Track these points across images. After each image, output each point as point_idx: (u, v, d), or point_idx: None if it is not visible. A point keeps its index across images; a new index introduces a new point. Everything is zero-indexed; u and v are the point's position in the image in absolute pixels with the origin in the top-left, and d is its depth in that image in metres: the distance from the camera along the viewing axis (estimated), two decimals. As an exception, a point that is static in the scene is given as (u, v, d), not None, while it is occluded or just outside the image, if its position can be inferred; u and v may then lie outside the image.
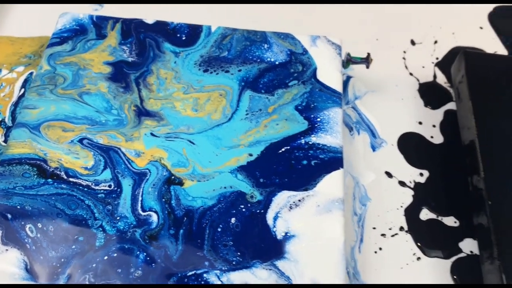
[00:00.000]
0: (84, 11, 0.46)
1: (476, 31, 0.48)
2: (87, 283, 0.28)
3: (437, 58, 0.46)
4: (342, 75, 0.37)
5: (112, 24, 0.38)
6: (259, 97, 0.35)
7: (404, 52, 0.46)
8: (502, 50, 0.47)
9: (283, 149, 0.33)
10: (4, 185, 0.31)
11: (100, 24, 0.38)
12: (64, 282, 0.28)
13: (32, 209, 0.30)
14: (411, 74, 0.44)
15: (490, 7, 0.50)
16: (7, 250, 0.29)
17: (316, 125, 0.34)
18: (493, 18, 0.49)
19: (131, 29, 0.38)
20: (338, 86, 0.36)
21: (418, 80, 0.44)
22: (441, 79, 0.44)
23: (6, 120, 0.39)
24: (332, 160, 0.33)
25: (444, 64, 0.45)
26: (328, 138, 0.34)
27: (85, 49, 0.37)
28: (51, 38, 0.37)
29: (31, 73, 0.41)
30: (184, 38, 0.38)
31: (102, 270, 0.29)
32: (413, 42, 0.47)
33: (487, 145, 0.35)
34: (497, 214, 0.32)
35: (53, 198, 0.31)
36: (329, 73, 0.37)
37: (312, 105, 0.35)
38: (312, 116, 0.35)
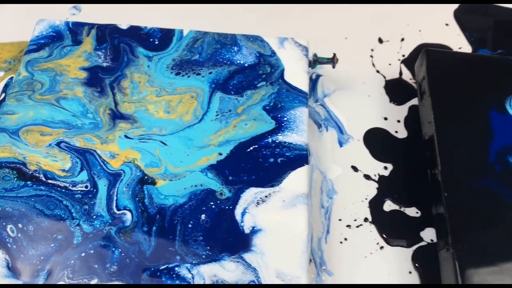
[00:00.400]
0: (63, 14, 0.48)
1: (442, 28, 0.50)
2: (65, 279, 0.30)
3: (403, 56, 0.48)
4: (308, 76, 0.39)
5: (87, 30, 0.40)
6: (229, 99, 0.37)
7: (372, 50, 0.48)
8: (466, 46, 0.49)
9: (251, 148, 0.35)
10: (-14, 188, 0.33)
11: (76, 30, 0.40)
12: (44, 279, 0.30)
13: (13, 210, 0.32)
14: (378, 71, 0.46)
15: (456, 4, 0.52)
16: (-11, 249, 0.31)
17: (283, 124, 0.36)
18: (458, 15, 0.51)
19: (106, 35, 0.40)
20: (304, 86, 0.38)
21: (384, 77, 0.46)
22: (407, 76, 0.46)
23: (-12, 124, 0.40)
24: (298, 157, 0.35)
25: (410, 61, 0.47)
26: (294, 136, 0.36)
27: (61, 55, 0.38)
28: (28, 45, 0.39)
29: (11, 78, 0.43)
30: (157, 42, 0.39)
31: (79, 266, 0.30)
32: (380, 40, 0.48)
33: (445, 140, 0.37)
34: (453, 205, 0.34)
35: (33, 199, 0.32)
36: (296, 74, 0.39)
37: (279, 105, 0.37)
38: (279, 115, 0.37)
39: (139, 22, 0.44)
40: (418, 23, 0.50)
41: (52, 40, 0.39)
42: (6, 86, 0.42)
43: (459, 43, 0.49)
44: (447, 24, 0.50)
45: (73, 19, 0.47)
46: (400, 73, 0.46)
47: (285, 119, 0.36)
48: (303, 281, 0.31)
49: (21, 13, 0.48)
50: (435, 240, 0.37)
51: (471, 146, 0.37)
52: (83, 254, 0.31)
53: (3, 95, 0.42)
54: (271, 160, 0.35)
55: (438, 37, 0.49)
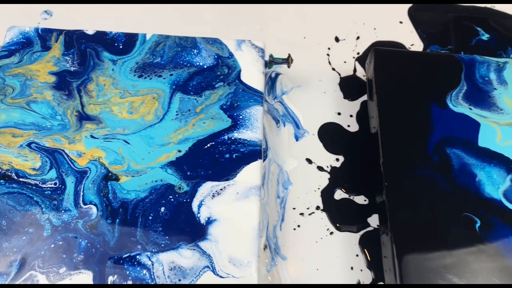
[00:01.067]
0: (35, 19, 0.50)
1: (396, 26, 0.53)
2: (36, 268, 0.33)
3: (358, 53, 0.50)
4: (264, 76, 0.42)
5: (56, 36, 0.42)
6: (188, 99, 0.40)
7: (329, 48, 0.50)
8: (418, 43, 0.51)
9: (208, 145, 0.38)
10: (-38, 187, 0.35)
11: (45, 37, 0.42)
12: (16, 268, 0.33)
13: (-13, 207, 0.34)
14: (333, 69, 0.49)
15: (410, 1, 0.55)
16: (-34, 243, 0.33)
17: (238, 122, 0.39)
18: (411, 12, 0.54)
19: (73, 40, 0.42)
20: (260, 86, 0.41)
21: (339, 74, 0.49)
22: (361, 73, 0.49)
23: (-35, 126, 0.43)
24: (252, 153, 0.38)
25: (364, 59, 0.50)
26: (248, 133, 0.38)
27: (31, 61, 0.41)
28: (0, 51, 0.41)
29: (-14, 81, 0.45)
30: (121, 46, 0.42)
31: (49, 256, 0.33)
32: (337, 39, 0.51)
33: (388, 133, 0.40)
34: (393, 193, 0.38)
35: (5, 196, 0.35)
36: (252, 75, 0.41)
37: (236, 104, 0.40)
38: (235, 114, 0.39)
39: (108, 23, 0.47)
40: (373, 22, 0.52)
41: (23, 46, 0.41)
42: (-19, 89, 0.45)
43: (412, 40, 0.52)
44: (401, 22, 0.53)
45: (44, 23, 0.49)
46: (354, 70, 0.49)
47: (241, 117, 0.39)
48: (254, 266, 0.34)
49: (-5, 18, 0.50)
50: (381, 225, 0.41)
51: (412, 139, 0.40)
52: (52, 245, 0.33)
53: (-21, 98, 0.44)
54: (227, 155, 0.37)
55: (392, 35, 0.52)
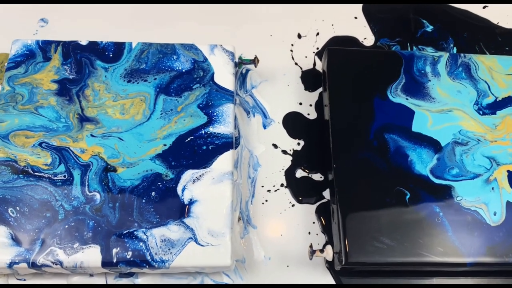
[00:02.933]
0: (32, 26, 0.55)
1: (351, 21, 0.59)
2: (55, 244, 0.40)
3: (317, 48, 0.57)
4: (234, 77, 0.48)
5: (54, 48, 0.48)
6: (171, 100, 0.47)
7: (292, 45, 0.57)
8: (370, 37, 0.58)
9: (188, 139, 0.45)
10: (-12, 181, 0.42)
11: (45, 48, 0.48)
12: (39, 246, 0.40)
13: (11, 197, 0.42)
14: (296, 63, 0.56)
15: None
16: (-3, 227, 0.41)
17: (213, 118, 0.46)
18: (365, 8, 0.60)
19: (70, 51, 0.48)
20: (230, 86, 0.48)
21: (301, 68, 0.55)
22: (320, 66, 0.56)
23: (-18, 126, 0.49)
24: (225, 144, 0.45)
25: (322, 53, 0.56)
26: (222, 127, 0.46)
27: (35, 71, 0.47)
28: (7, 63, 0.47)
29: (-4, 86, 0.51)
30: (111, 55, 0.48)
31: (64, 234, 0.41)
32: (299, 36, 0.57)
33: (337, 121, 0.47)
34: (339, 173, 0.45)
35: (25, 188, 0.42)
36: (223, 76, 0.48)
37: (210, 103, 0.47)
38: (210, 111, 0.46)
39: (98, 28, 0.53)
40: (331, 18, 0.59)
41: (27, 58, 0.48)
42: (-7, 93, 0.51)
43: (365, 34, 0.58)
44: (356, 18, 0.59)
45: (42, 30, 0.55)
46: (314, 64, 0.56)
47: (215, 114, 0.46)
48: (227, 236, 0.42)
49: (-3, 26, 0.56)
50: (334, 197, 0.49)
51: (357, 126, 0.47)
52: (66, 226, 0.41)
53: (-9, 101, 0.51)
54: (204, 147, 0.45)
55: (348, 30, 0.58)
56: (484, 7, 0.61)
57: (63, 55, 0.48)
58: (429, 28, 0.59)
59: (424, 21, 0.59)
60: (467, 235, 0.43)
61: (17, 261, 0.40)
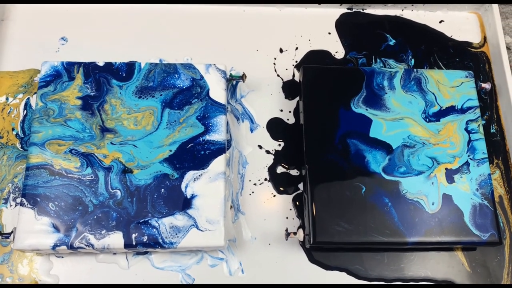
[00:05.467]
0: (54, 44, 0.64)
1: (325, 36, 0.67)
2: (87, 231, 0.51)
3: (296, 61, 0.66)
4: (226, 92, 0.57)
5: (77, 68, 0.57)
6: (174, 112, 0.56)
7: (275, 58, 0.66)
8: (341, 50, 0.67)
9: (189, 145, 0.55)
10: (32, 181, 0.52)
11: (69, 69, 0.57)
12: (75, 232, 0.51)
13: (50, 194, 0.52)
14: (278, 75, 0.65)
15: (338, 14, 0.69)
16: (41, 218, 0.51)
17: (208, 128, 0.56)
18: (337, 24, 0.68)
19: (90, 71, 0.57)
20: (223, 100, 0.57)
21: (282, 79, 0.65)
22: (298, 77, 0.65)
23: (19, 133, 0.59)
24: (218, 149, 0.55)
25: (300, 66, 0.65)
26: (216, 135, 0.55)
27: (62, 89, 0.56)
28: (39, 82, 0.56)
29: (28, 99, 0.60)
30: (124, 75, 0.57)
31: (94, 223, 0.51)
32: (281, 50, 0.66)
33: (309, 127, 0.57)
34: (310, 171, 0.55)
35: (61, 187, 0.52)
36: (217, 92, 0.57)
37: (207, 115, 0.56)
38: (207, 122, 0.56)
39: (108, 45, 0.61)
40: (308, 34, 0.67)
41: (55, 78, 0.56)
42: (26, 104, 0.60)
43: (337, 48, 0.67)
44: (329, 33, 0.68)
45: (63, 48, 0.64)
46: (293, 76, 0.65)
47: (210, 124, 0.56)
48: (221, 222, 0.52)
49: (23, 45, 0.64)
50: (307, 189, 0.59)
51: (325, 132, 0.57)
52: (95, 217, 0.51)
53: (25, 111, 0.60)
54: (202, 152, 0.55)
55: (322, 44, 0.67)
56: (440, 22, 0.70)
57: (84, 75, 0.57)
58: (392, 42, 0.68)
59: (388, 35, 0.68)
60: (410, 220, 0.54)
61: (58, 244, 0.50)
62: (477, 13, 0.71)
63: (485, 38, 0.69)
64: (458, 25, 0.70)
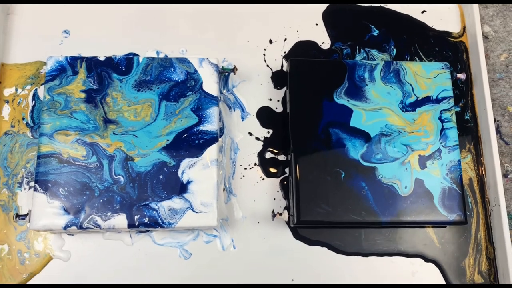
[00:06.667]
0: (57, 37, 0.67)
1: (313, 27, 0.71)
2: (94, 214, 0.56)
3: (285, 52, 0.69)
4: (218, 84, 0.62)
5: (80, 63, 0.61)
6: (170, 104, 0.60)
7: (265, 49, 0.69)
8: (327, 41, 0.70)
9: (185, 135, 0.59)
10: (43, 168, 0.57)
11: (73, 63, 0.61)
12: (83, 214, 0.56)
13: (60, 180, 0.57)
14: (267, 65, 0.68)
15: (324, 5, 0.72)
16: (53, 202, 0.56)
17: (202, 119, 0.60)
18: (324, 15, 0.71)
19: (92, 66, 0.61)
20: (215, 93, 0.61)
21: (271, 69, 0.68)
22: (286, 68, 0.68)
23: (29, 122, 0.64)
24: (211, 139, 0.60)
25: (288, 56, 0.69)
26: (209, 126, 0.60)
27: (67, 83, 0.60)
28: (45, 77, 0.60)
29: (35, 89, 0.65)
30: (123, 69, 0.61)
31: (100, 207, 0.57)
32: (270, 41, 0.70)
33: (295, 116, 0.61)
34: (295, 158, 0.60)
35: (69, 174, 0.57)
36: (210, 85, 0.61)
37: (200, 107, 0.61)
38: (200, 113, 0.60)
39: (108, 36, 0.65)
40: (296, 25, 0.70)
41: (60, 72, 0.60)
42: (34, 95, 0.65)
43: (323, 39, 0.70)
44: (316, 24, 0.71)
45: (66, 41, 0.67)
46: (282, 66, 0.69)
47: (204, 115, 0.60)
48: (214, 205, 0.57)
49: (28, 38, 0.67)
50: (293, 172, 0.64)
51: (309, 122, 0.61)
52: (101, 201, 0.57)
53: (34, 101, 0.64)
54: (196, 142, 0.59)
55: (309, 35, 0.70)
56: (422, 12, 0.73)
57: (87, 69, 0.61)
58: (375, 33, 0.71)
59: (372, 26, 0.71)
60: (384, 202, 0.59)
61: (69, 225, 0.56)
62: (458, 4, 0.73)
63: (464, 28, 0.72)
64: (440, 14, 0.73)
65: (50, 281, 0.59)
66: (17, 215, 0.57)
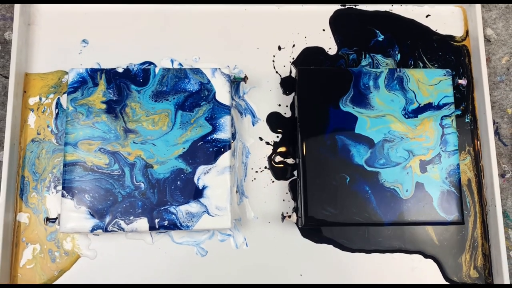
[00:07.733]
0: (77, 47, 0.70)
1: (320, 33, 0.73)
2: (118, 218, 0.61)
3: (293, 58, 0.72)
4: (230, 94, 0.65)
5: (100, 75, 0.64)
6: (186, 114, 0.64)
7: (274, 56, 0.72)
8: (334, 47, 0.72)
9: (200, 143, 0.63)
10: (69, 176, 0.61)
11: (93, 75, 0.64)
12: (108, 217, 0.61)
13: (85, 187, 0.61)
14: (276, 72, 0.71)
15: (332, 11, 0.73)
16: (79, 207, 0.61)
17: (216, 128, 0.63)
18: (331, 21, 0.73)
19: (111, 77, 0.64)
20: (227, 102, 0.64)
21: (280, 76, 0.71)
22: (294, 75, 0.71)
23: (54, 129, 0.67)
24: (224, 146, 0.63)
25: (297, 62, 0.71)
26: (222, 134, 0.63)
27: (88, 94, 0.64)
28: (68, 88, 0.63)
29: (58, 98, 0.68)
30: (141, 80, 0.64)
31: (123, 211, 0.61)
32: (279, 48, 0.72)
33: (303, 123, 0.65)
34: (304, 162, 0.64)
35: (93, 181, 0.61)
36: (222, 94, 0.64)
37: (214, 116, 0.64)
38: (214, 122, 0.64)
39: (124, 46, 0.68)
40: (304, 31, 0.72)
41: (81, 84, 0.64)
42: (57, 103, 0.68)
43: (330, 44, 0.72)
44: (324, 30, 0.73)
45: (84, 50, 0.70)
46: (290, 72, 0.71)
47: (217, 124, 0.64)
48: (228, 208, 0.62)
49: (48, 48, 0.70)
50: (301, 175, 0.68)
51: (317, 128, 0.65)
52: (124, 205, 0.61)
53: (57, 110, 0.68)
54: (210, 149, 0.63)
55: (317, 41, 0.72)
56: (427, 16, 0.74)
57: (107, 81, 0.64)
58: (381, 38, 0.73)
59: (377, 31, 0.73)
60: (386, 205, 0.63)
61: (95, 228, 0.61)
62: (462, 7, 0.75)
63: (467, 32, 0.74)
64: (443, 18, 0.74)
65: (78, 277, 0.64)
66: (48, 219, 0.62)
